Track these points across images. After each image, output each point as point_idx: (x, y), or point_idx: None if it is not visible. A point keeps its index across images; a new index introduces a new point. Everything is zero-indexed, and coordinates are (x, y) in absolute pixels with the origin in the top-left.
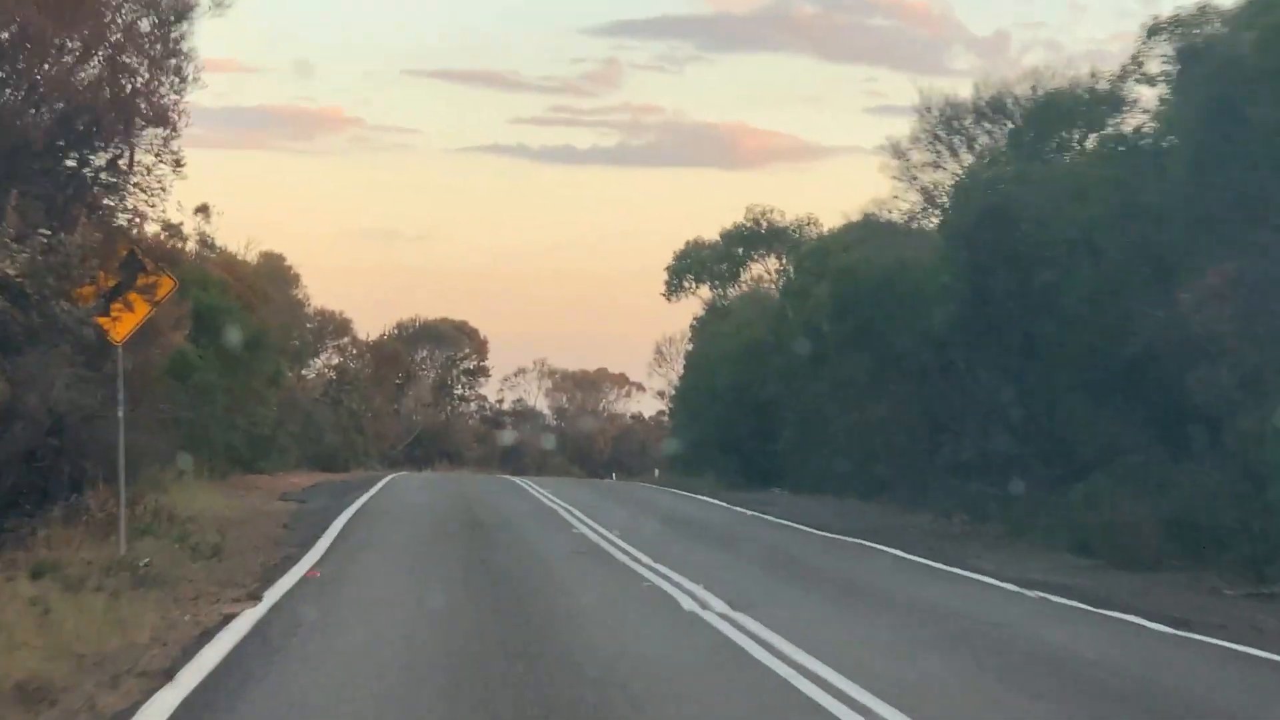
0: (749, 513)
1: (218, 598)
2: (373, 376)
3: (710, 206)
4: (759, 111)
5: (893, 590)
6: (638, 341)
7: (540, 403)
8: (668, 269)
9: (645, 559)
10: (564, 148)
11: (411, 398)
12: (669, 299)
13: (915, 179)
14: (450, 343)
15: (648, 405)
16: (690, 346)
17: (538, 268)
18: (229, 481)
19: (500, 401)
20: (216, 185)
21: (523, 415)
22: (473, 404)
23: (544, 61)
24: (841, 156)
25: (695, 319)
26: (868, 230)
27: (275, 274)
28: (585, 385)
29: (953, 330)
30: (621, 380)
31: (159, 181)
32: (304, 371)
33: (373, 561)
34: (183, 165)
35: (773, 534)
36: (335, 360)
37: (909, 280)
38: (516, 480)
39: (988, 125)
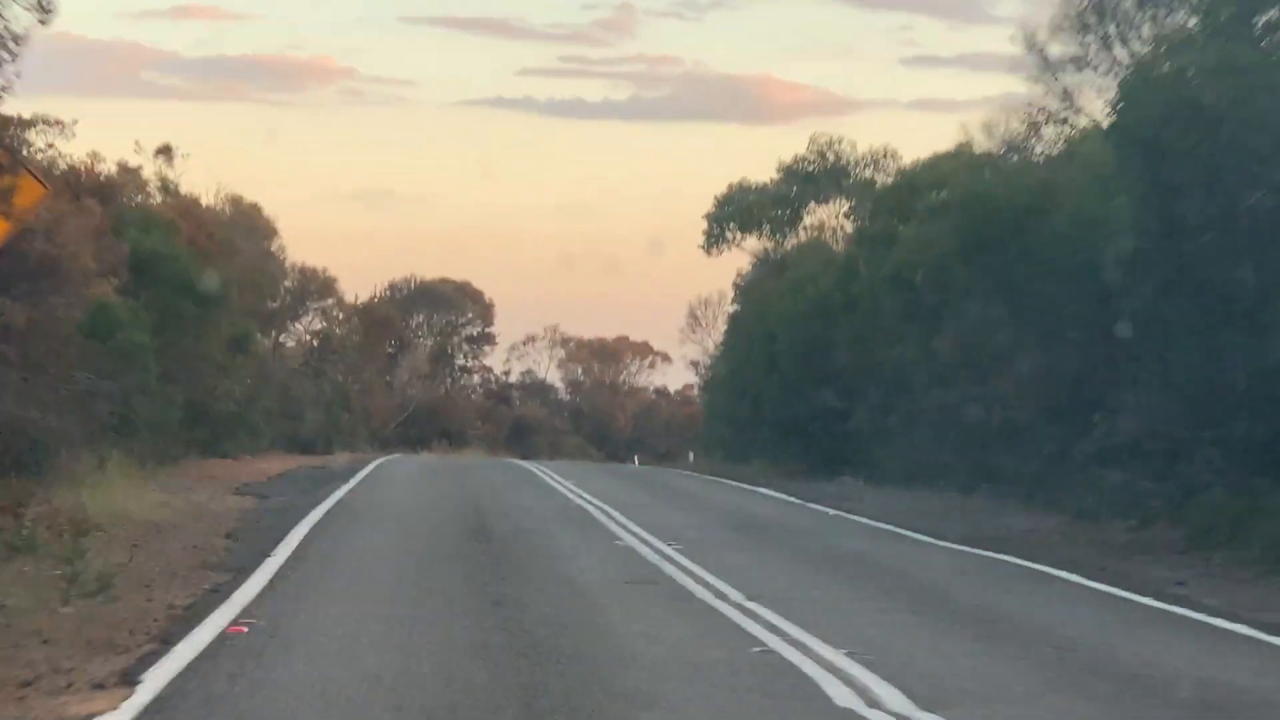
0: (830, 512)
1: (69, 680)
2: (361, 344)
3: (732, 164)
4: (786, 63)
5: (1130, 656)
6: (660, 307)
7: (552, 375)
8: (707, 216)
9: (733, 594)
10: (574, 101)
11: (406, 369)
12: (708, 252)
13: (1056, 78)
14: (450, 306)
15: (674, 377)
16: (735, 308)
17: (546, 230)
18: (180, 469)
19: (507, 374)
20: (194, 139)
21: (532, 389)
22: (476, 376)
23: (552, 7)
24: (875, 111)
25: (740, 276)
26: (981, 154)
27: (247, 224)
28: (603, 355)
29: (1128, 273)
30: (644, 349)
31: None
32: (282, 339)
33: (334, 602)
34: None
35: (880, 546)
36: (318, 326)
37: (1060, 210)
38: (528, 465)
39: (1154, 7)
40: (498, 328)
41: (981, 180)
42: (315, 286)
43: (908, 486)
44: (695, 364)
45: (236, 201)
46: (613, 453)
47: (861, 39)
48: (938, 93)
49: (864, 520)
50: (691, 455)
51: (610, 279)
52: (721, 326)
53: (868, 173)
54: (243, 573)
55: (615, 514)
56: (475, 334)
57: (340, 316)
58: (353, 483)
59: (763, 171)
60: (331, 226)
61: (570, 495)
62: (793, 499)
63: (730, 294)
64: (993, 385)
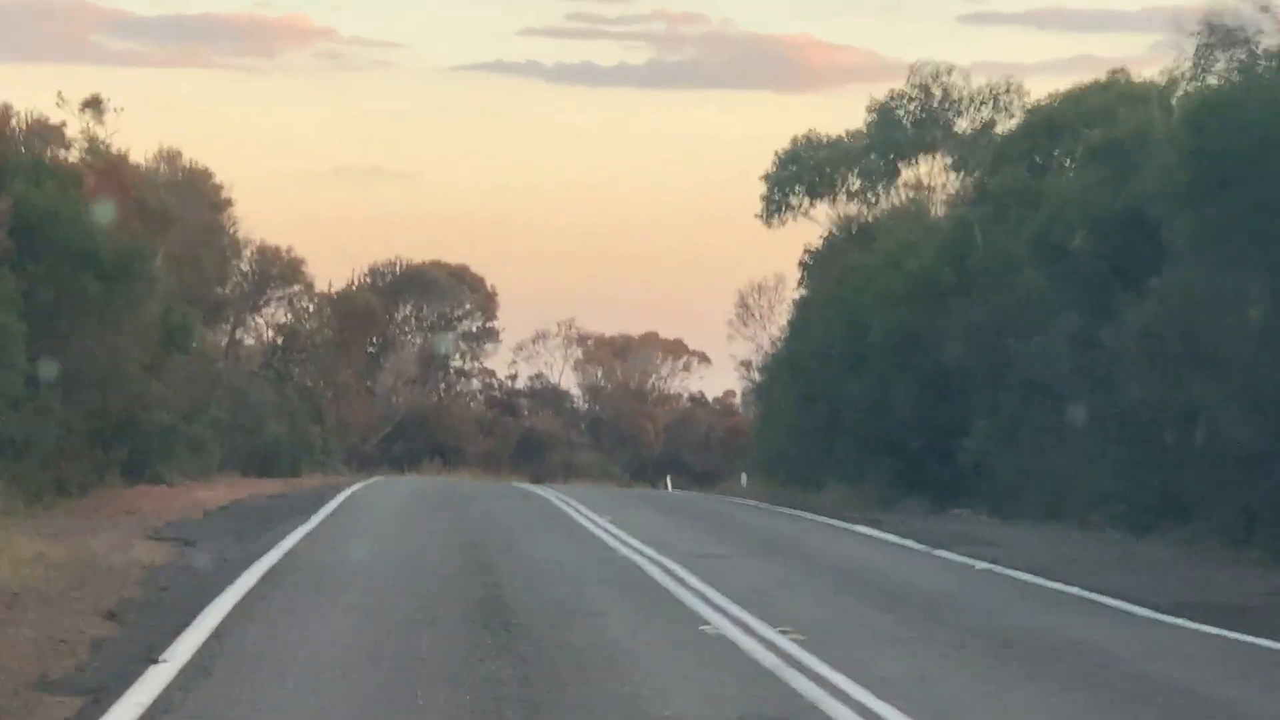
0: (977, 565)
1: None
2: (335, 342)
3: (765, 138)
4: (826, 21)
5: None
6: (694, 298)
7: (566, 379)
8: (766, 178)
9: None
10: (584, 66)
11: (391, 371)
12: (767, 223)
13: None
14: (445, 295)
15: (713, 382)
16: (801, 292)
17: (555, 212)
18: (89, 502)
19: (513, 378)
20: (146, 111)
21: (543, 396)
22: (476, 381)
23: None
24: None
25: (809, 252)
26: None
27: (189, 189)
28: (627, 354)
29: None
30: (676, 348)
31: None
32: (239, 334)
33: None
34: None
35: (1083, 623)
36: (283, 318)
37: None
38: (544, 493)
39: None
40: (501, 322)
41: (1219, 94)
42: (278, 270)
43: (1049, 522)
44: (746, 364)
45: (175, 159)
46: (639, 472)
47: None
48: (1000, 54)
49: (1027, 578)
50: (744, 477)
51: (633, 267)
52: (780, 318)
53: (985, 112)
54: (100, 702)
55: (680, 571)
56: (475, 329)
57: (310, 308)
58: (316, 520)
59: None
60: (308, 208)
61: (609, 538)
62: (908, 542)
63: (796, 276)
64: (1191, 388)
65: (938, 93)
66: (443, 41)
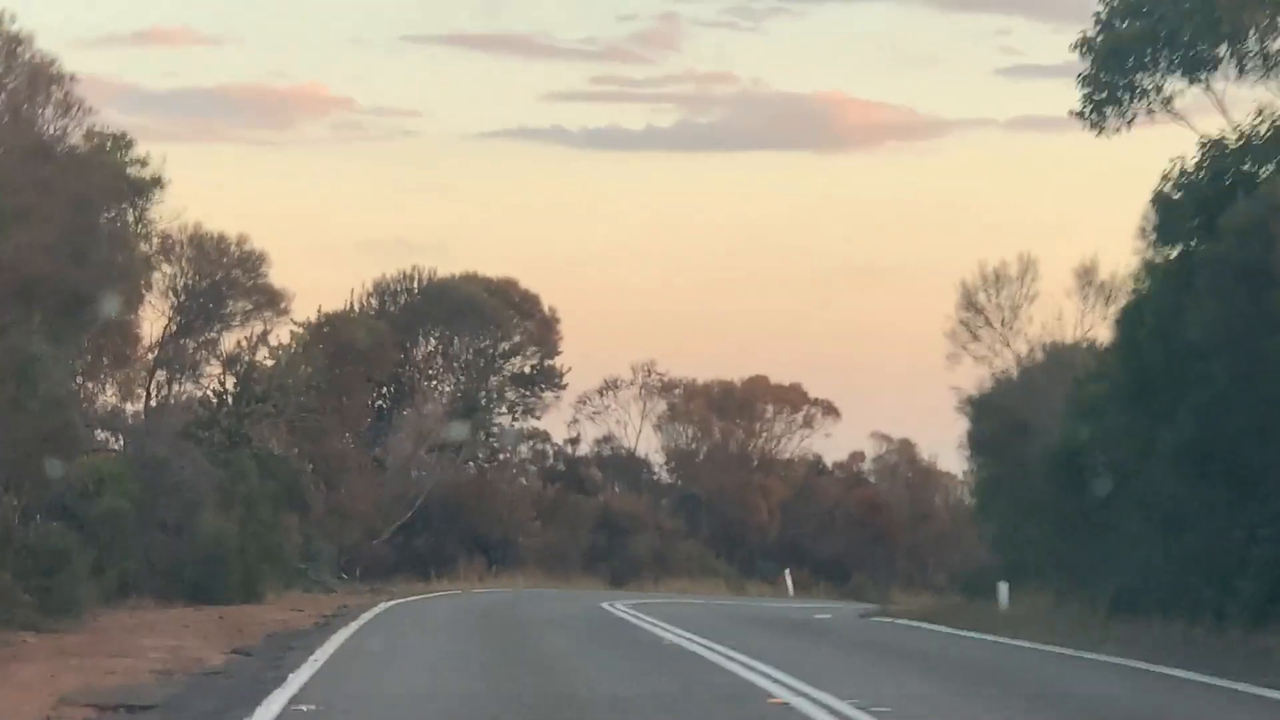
0: None
1: None
2: (323, 389)
3: (801, 198)
4: (860, 78)
5: None
6: (800, 340)
7: (646, 442)
8: (1082, 45)
9: None
10: (611, 129)
11: (408, 433)
12: (1095, 125)
13: None
14: (486, 320)
15: (839, 442)
16: (1153, 256)
17: (597, 281)
18: None
19: (574, 441)
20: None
21: (615, 465)
22: (527, 447)
23: (583, 20)
24: (968, 132)
25: (1173, 177)
26: None
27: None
28: (727, 407)
29: None
30: (793, 397)
31: None
32: (164, 378)
33: None
34: None
35: None
36: (235, 345)
37: None
38: (649, 623)
39: None
40: (564, 360)
41: None
42: (226, 272)
43: None
44: (969, 402)
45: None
46: (747, 565)
47: (950, 46)
48: (1041, 108)
49: None
50: (1004, 591)
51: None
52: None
53: None
54: None
55: None
56: (529, 370)
57: (276, 340)
58: None
59: (839, 208)
60: (334, 283)
61: None
62: None
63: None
64: None
65: None
66: (464, 109)
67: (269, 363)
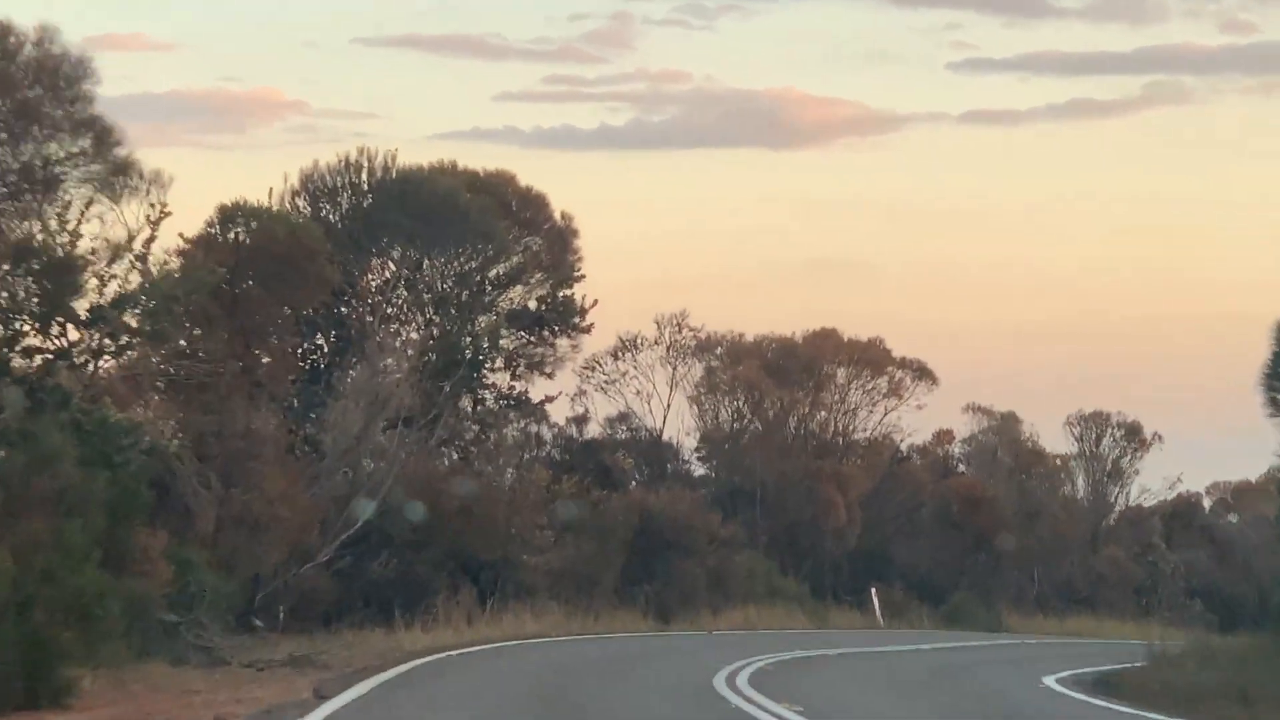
0: None
1: None
2: (221, 318)
3: (756, 195)
4: (813, 74)
5: None
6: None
7: (678, 419)
8: None
9: None
10: (563, 129)
11: (358, 400)
12: None
13: None
14: (472, 230)
15: (933, 413)
16: None
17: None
18: None
19: (580, 421)
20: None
21: (636, 451)
22: (536, 428)
23: (535, 21)
24: (920, 126)
25: None
26: None
27: None
28: (784, 369)
29: None
30: (876, 356)
31: None
32: None
33: None
34: None
35: None
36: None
37: None
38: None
39: None
40: (587, 290)
41: None
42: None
43: None
44: None
45: None
46: (820, 582)
47: (901, 41)
48: (993, 101)
49: None
50: None
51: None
52: None
53: None
54: None
55: None
56: (535, 304)
57: (141, 236)
58: None
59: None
60: None
61: None
62: None
63: None
64: None
65: None
66: (417, 111)
67: (115, 270)
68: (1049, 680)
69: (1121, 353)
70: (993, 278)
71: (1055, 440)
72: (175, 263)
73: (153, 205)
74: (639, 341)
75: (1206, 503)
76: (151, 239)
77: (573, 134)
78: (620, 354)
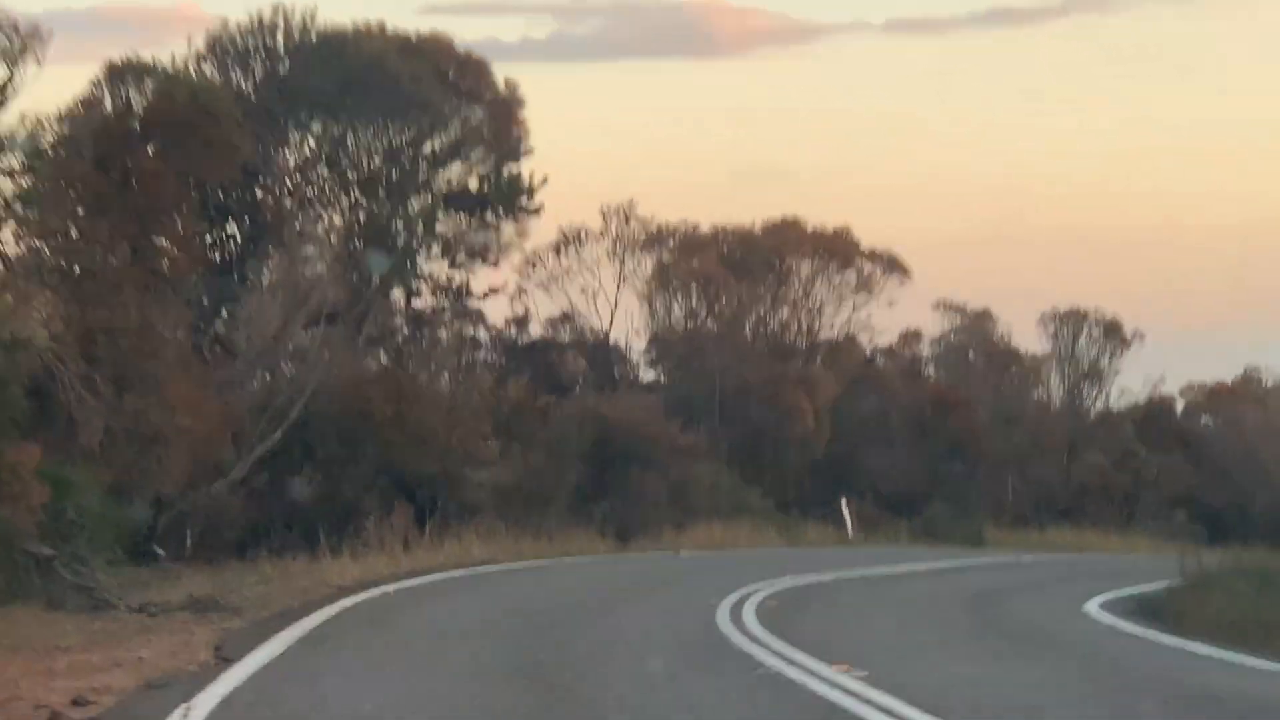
0: None
1: None
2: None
3: (680, 108)
4: None
5: None
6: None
7: (626, 319)
8: None
9: None
10: (488, 41)
11: (276, 295)
12: None
13: None
14: (404, 100)
15: (902, 314)
16: None
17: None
18: None
19: (519, 322)
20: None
21: (592, 352)
22: (445, 326)
23: None
24: (843, 35)
25: None
26: None
27: None
28: (745, 264)
29: None
30: (839, 247)
31: None
32: None
33: None
34: None
35: None
36: None
37: None
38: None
39: None
40: (535, 166)
41: None
42: None
43: None
44: None
45: None
46: (783, 495)
47: None
48: (915, 10)
49: None
50: None
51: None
52: None
53: None
54: None
55: None
56: (477, 183)
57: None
58: None
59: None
60: None
61: None
62: None
63: None
64: None
65: None
66: (343, 20)
67: None
68: (1091, 608)
69: (1079, 255)
70: (947, 187)
71: (1030, 340)
72: (51, 122)
73: (21, 51)
74: (583, 235)
75: (1179, 406)
76: (10, 77)
77: (497, 46)
78: (563, 248)
